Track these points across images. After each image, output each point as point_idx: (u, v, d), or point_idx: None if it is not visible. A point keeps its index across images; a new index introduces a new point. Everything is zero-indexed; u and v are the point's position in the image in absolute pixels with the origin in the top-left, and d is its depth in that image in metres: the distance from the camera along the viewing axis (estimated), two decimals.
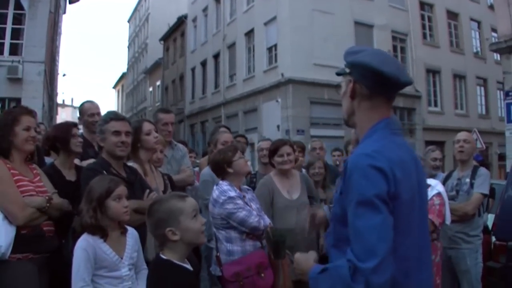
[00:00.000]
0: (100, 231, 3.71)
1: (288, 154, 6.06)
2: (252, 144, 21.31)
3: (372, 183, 2.26)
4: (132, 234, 4.01)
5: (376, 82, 2.49)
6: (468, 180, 6.46)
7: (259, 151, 7.58)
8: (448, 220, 5.74)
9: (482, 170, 6.56)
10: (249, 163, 7.38)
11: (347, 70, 2.62)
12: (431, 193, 5.51)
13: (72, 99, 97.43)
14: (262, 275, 4.95)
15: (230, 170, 5.31)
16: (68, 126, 5.30)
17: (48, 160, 5.70)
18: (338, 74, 2.73)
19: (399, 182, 2.30)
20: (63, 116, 65.29)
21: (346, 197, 2.37)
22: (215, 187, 5.33)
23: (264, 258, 5.11)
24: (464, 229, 6.26)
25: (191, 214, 3.22)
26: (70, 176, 5.01)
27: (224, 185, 5.26)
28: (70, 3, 26.48)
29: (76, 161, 5.32)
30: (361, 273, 2.15)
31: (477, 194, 6.33)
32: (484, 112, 38.70)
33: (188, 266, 3.25)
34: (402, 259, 2.30)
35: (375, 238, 2.18)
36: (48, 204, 4.28)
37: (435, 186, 5.74)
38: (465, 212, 6.22)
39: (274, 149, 6.15)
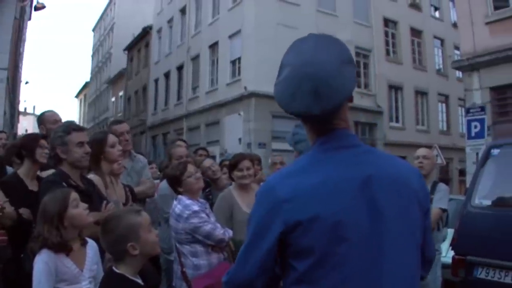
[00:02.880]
0: (65, 248, 3.61)
1: (248, 169, 6.05)
2: (214, 157, 21.25)
3: (258, 211, 2.17)
4: (92, 246, 3.91)
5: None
6: None
7: (205, 170, 7.40)
8: None
9: (441, 185, 6.65)
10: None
11: None
12: None
13: (34, 107, 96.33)
14: None
15: (180, 189, 5.34)
16: (36, 136, 5.33)
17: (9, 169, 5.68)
18: None
19: (297, 210, 2.04)
20: (25, 124, 64.56)
21: None
22: (175, 202, 5.32)
23: None
24: None
25: (148, 228, 3.26)
26: (33, 186, 4.95)
27: (185, 199, 5.25)
28: (35, 10, 26.16)
29: None
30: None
31: (435, 209, 6.37)
32: (445, 128, 39.22)
33: (140, 281, 3.24)
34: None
35: (237, 262, 2.25)
36: (0, 214, 4.18)
37: None
38: None
39: (233, 164, 6.12)
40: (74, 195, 3.77)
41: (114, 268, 3.18)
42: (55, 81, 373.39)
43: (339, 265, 2.01)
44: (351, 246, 2.02)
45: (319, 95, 2.06)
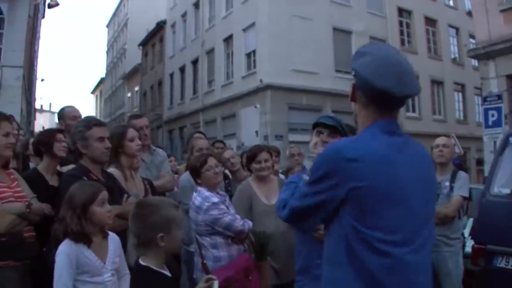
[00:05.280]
0: (85, 238, 3.63)
1: (266, 161, 6.00)
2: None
3: (326, 165, 2.49)
4: (113, 239, 3.93)
5: (368, 92, 2.54)
6: (447, 183, 6.45)
7: (225, 162, 7.41)
8: None
9: (461, 173, 6.59)
10: (227, 171, 7.31)
11: (353, 73, 2.64)
12: None
13: (50, 104, 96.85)
14: (250, 277, 5.00)
15: (199, 181, 5.38)
16: (53, 131, 5.33)
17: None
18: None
19: (365, 173, 2.37)
20: (41, 121, 64.85)
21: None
22: (195, 194, 5.33)
23: (250, 261, 5.17)
24: (444, 232, 6.23)
25: (180, 225, 3.28)
26: (53, 181, 4.93)
27: (204, 191, 5.26)
28: (49, 7, 26.22)
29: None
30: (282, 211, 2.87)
31: (457, 196, 6.33)
32: (462, 117, 39.01)
33: (167, 272, 3.25)
34: (380, 252, 2.35)
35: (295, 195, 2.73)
36: (28, 210, 4.20)
37: None
38: (446, 215, 6.20)
39: (251, 156, 6.07)
40: (104, 194, 3.79)
41: (140, 260, 3.19)
42: (71, 77, 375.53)
43: (393, 230, 2.38)
44: (395, 212, 2.40)
45: (401, 81, 2.45)
